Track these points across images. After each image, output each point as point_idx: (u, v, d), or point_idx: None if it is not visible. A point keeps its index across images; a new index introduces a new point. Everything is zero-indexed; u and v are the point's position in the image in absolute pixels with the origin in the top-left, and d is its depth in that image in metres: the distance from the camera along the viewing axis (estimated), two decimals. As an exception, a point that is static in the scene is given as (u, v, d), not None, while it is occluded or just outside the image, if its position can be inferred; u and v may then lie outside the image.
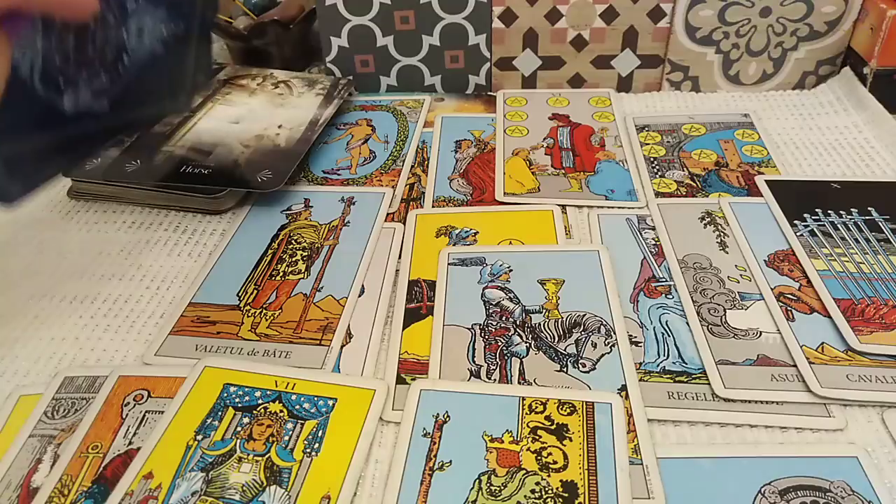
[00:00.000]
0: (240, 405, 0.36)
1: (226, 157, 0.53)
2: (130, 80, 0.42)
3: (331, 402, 0.36)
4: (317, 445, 0.34)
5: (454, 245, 0.47)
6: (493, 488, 0.32)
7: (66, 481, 0.33)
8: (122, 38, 0.41)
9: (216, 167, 0.52)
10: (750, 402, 0.36)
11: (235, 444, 0.34)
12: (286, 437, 0.35)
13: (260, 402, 0.36)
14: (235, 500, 0.32)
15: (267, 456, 0.34)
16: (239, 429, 0.35)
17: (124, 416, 0.36)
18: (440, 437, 0.34)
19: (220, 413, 0.36)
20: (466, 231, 0.48)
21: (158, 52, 0.43)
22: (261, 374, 0.38)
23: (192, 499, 0.32)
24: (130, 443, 0.35)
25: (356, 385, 0.37)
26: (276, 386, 0.37)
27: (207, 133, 0.56)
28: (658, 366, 0.38)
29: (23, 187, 0.40)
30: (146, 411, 0.37)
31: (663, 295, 0.43)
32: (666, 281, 0.44)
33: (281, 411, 0.36)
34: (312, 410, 0.36)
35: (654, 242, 0.47)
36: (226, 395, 0.37)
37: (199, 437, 0.35)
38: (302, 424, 0.35)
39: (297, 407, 0.36)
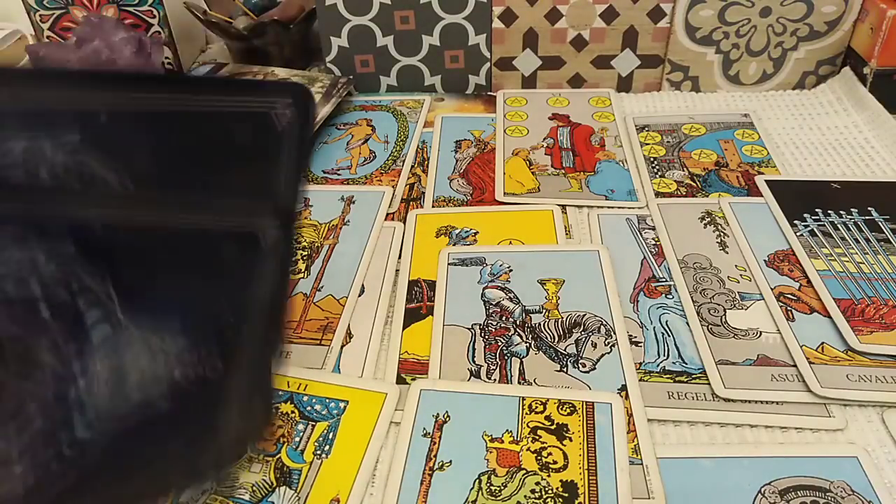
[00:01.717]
0: (250, 405, 0.36)
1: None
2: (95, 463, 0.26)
3: (342, 405, 0.36)
4: (327, 447, 0.34)
5: (454, 245, 0.47)
6: (493, 488, 0.32)
7: (66, 481, 0.33)
8: (66, 385, 0.25)
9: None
10: (750, 402, 0.36)
11: (245, 444, 0.34)
12: (297, 438, 0.35)
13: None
14: (245, 499, 0.32)
15: (277, 456, 0.34)
16: (249, 429, 0.35)
17: (124, 416, 0.36)
18: (440, 437, 0.34)
19: (228, 412, 0.36)
20: (466, 231, 0.48)
21: (157, 412, 0.27)
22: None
23: (201, 497, 0.32)
24: (131, 443, 0.35)
25: (368, 388, 0.37)
26: (288, 387, 0.37)
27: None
28: (658, 366, 0.38)
29: None
30: (146, 411, 0.37)
31: (663, 295, 0.43)
32: (666, 281, 0.44)
33: (292, 412, 0.36)
34: (324, 412, 0.36)
35: (654, 242, 0.47)
36: (235, 394, 0.37)
37: (209, 436, 0.35)
38: (313, 426, 0.35)
39: (309, 408, 0.36)
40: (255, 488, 0.32)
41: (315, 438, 0.35)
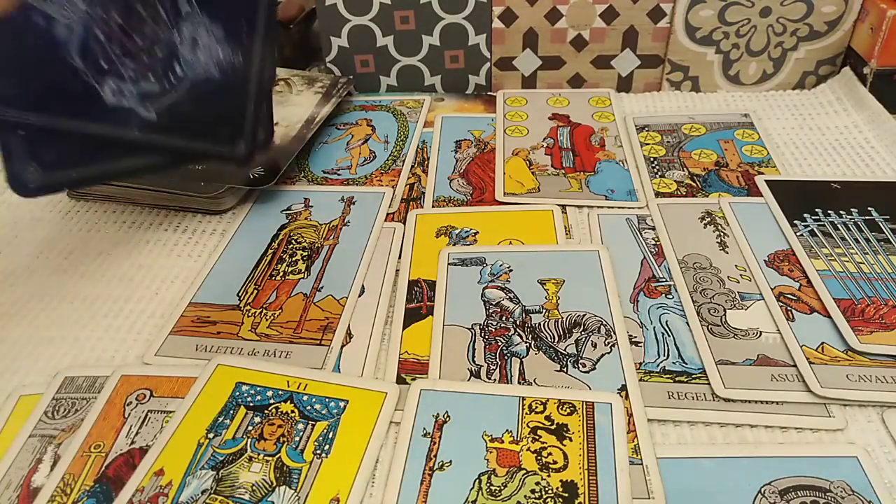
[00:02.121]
0: (252, 404, 0.36)
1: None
2: (183, 97, 0.39)
3: (342, 404, 0.36)
4: (327, 447, 0.34)
5: (454, 245, 0.47)
6: (493, 488, 0.32)
7: (68, 480, 0.33)
8: (174, 41, 0.38)
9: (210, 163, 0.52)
10: (750, 402, 0.36)
11: (246, 444, 0.34)
12: (297, 438, 0.35)
13: (271, 401, 0.36)
14: (245, 499, 0.32)
15: (277, 456, 0.34)
16: (250, 428, 0.35)
17: (126, 416, 0.36)
18: (440, 437, 0.34)
19: (231, 412, 0.36)
20: (466, 231, 0.48)
21: (214, 77, 0.40)
22: (273, 374, 0.38)
23: (201, 497, 0.32)
24: (133, 442, 0.35)
25: (368, 387, 0.37)
26: (288, 386, 0.37)
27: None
28: (658, 366, 0.38)
29: (42, 178, 0.37)
30: (148, 411, 0.37)
31: (663, 295, 0.43)
32: (666, 281, 0.44)
33: (292, 412, 0.36)
34: (323, 412, 0.36)
35: (654, 242, 0.47)
36: (238, 393, 0.37)
37: (211, 436, 0.35)
38: (313, 425, 0.35)
39: (309, 408, 0.36)
40: (254, 488, 0.32)
41: (315, 438, 0.35)
